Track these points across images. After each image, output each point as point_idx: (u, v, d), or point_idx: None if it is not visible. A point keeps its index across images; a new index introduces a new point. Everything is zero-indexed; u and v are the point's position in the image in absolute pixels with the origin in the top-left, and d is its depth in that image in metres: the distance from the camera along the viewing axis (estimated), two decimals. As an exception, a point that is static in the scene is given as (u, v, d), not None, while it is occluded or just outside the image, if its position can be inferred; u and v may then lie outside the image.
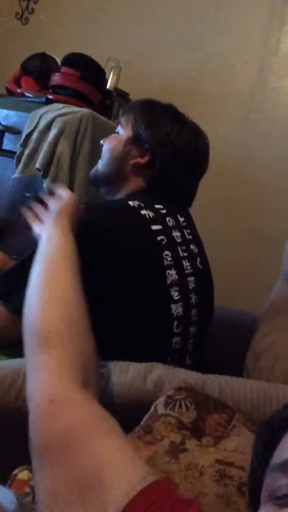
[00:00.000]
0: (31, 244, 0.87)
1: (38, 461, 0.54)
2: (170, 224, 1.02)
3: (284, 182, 2.10)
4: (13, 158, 1.83)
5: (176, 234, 1.03)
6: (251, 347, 1.20)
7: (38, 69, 2.14)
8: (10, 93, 2.16)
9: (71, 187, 1.72)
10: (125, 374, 0.82)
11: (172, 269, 0.98)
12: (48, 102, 1.89)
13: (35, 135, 1.77)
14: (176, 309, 0.97)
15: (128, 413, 0.72)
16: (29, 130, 1.79)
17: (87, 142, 1.73)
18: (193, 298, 1.01)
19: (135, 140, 1.09)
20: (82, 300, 0.72)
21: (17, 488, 0.66)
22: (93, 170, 1.18)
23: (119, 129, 1.15)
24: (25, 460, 0.57)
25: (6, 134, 1.95)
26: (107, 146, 1.14)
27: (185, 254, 1.02)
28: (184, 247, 1.03)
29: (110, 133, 1.18)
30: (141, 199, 1.01)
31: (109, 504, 0.46)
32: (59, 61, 2.06)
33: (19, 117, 1.92)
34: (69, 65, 1.93)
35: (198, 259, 1.07)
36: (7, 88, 2.18)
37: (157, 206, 1.02)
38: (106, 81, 2.09)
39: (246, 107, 2.20)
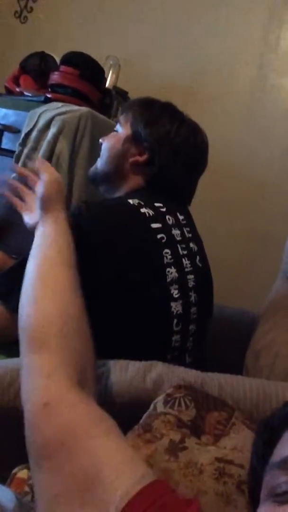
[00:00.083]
0: (31, 244, 0.87)
1: (36, 462, 0.54)
2: (170, 222, 1.02)
3: (284, 180, 2.10)
4: (12, 157, 1.83)
5: (175, 232, 1.03)
6: (251, 345, 1.20)
7: (37, 68, 2.13)
8: (9, 92, 2.15)
9: (70, 186, 1.72)
10: (125, 372, 0.82)
11: (172, 267, 0.98)
12: (47, 101, 1.89)
13: (34, 134, 1.76)
14: (176, 307, 0.97)
15: (127, 412, 0.72)
16: (28, 129, 1.79)
17: (86, 141, 1.73)
18: (193, 296, 1.01)
19: (134, 138, 1.09)
20: (79, 296, 0.70)
21: (17, 487, 0.66)
22: (92, 168, 1.18)
23: (118, 127, 1.14)
24: (24, 459, 0.57)
25: (5, 133, 1.95)
26: (106, 144, 1.14)
27: (185, 252, 1.02)
28: (183, 245, 1.03)
29: (109, 131, 1.18)
30: (141, 197, 1.01)
31: (109, 504, 0.46)
32: (58, 60, 2.06)
33: (18, 116, 1.92)
34: (68, 64, 1.93)
35: (198, 257, 1.07)
36: (6, 87, 2.18)
37: (156, 204, 1.02)
38: (105, 79, 2.09)
39: (246, 105, 2.20)
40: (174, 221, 1.04)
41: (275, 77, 2.17)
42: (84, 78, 1.92)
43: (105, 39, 2.42)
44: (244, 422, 0.71)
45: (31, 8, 2.68)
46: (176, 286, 0.97)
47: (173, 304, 0.96)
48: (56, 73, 1.94)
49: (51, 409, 0.55)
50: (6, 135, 1.95)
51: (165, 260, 0.97)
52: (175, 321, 0.96)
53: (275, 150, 2.13)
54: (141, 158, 1.07)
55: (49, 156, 1.69)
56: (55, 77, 1.93)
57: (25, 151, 1.77)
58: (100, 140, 1.17)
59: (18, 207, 0.93)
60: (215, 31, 2.25)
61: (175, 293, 0.97)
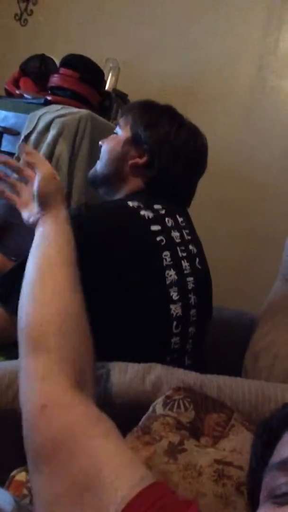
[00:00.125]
0: (30, 245, 0.87)
1: (34, 464, 0.53)
2: (169, 224, 1.03)
3: (284, 181, 2.10)
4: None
5: (175, 234, 1.03)
6: (250, 347, 1.20)
7: (37, 70, 2.14)
8: (9, 94, 2.16)
9: (70, 188, 1.72)
10: (124, 374, 0.82)
11: (171, 269, 0.98)
12: (47, 103, 1.89)
13: (33, 137, 1.77)
14: (175, 309, 0.97)
15: (126, 414, 0.72)
16: (28, 131, 1.80)
17: (86, 143, 1.73)
18: (192, 298, 1.01)
19: (133, 141, 1.09)
20: (79, 295, 0.69)
21: (15, 489, 0.66)
22: (92, 171, 1.18)
23: (117, 130, 1.15)
24: (23, 461, 0.57)
25: (5, 135, 1.95)
26: (106, 147, 1.14)
27: (184, 255, 1.02)
28: (183, 248, 1.03)
29: (109, 134, 1.18)
30: (140, 200, 1.01)
31: (109, 505, 0.45)
32: (58, 62, 2.06)
33: (17, 119, 1.92)
34: (68, 67, 1.94)
35: (197, 259, 1.07)
36: (6, 89, 2.18)
37: (156, 206, 1.02)
38: (105, 82, 2.09)
39: (246, 106, 2.20)
40: (173, 223, 1.04)
41: (274, 79, 2.17)
42: (84, 81, 1.92)
43: (104, 41, 2.42)
44: (243, 424, 0.71)
45: (31, 11, 2.68)
46: (176, 288, 0.97)
47: (172, 306, 0.96)
48: (56, 75, 1.95)
49: (48, 411, 0.55)
50: (6, 137, 1.95)
51: (165, 262, 0.97)
52: (174, 323, 0.97)
53: (274, 151, 2.14)
54: (140, 161, 1.08)
55: (49, 158, 1.69)
56: (55, 80, 1.94)
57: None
58: (100, 143, 1.17)
59: (15, 203, 0.91)
60: (215, 31, 2.26)
61: (174, 295, 0.97)
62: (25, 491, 0.65)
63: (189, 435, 0.68)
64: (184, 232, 1.06)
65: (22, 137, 1.80)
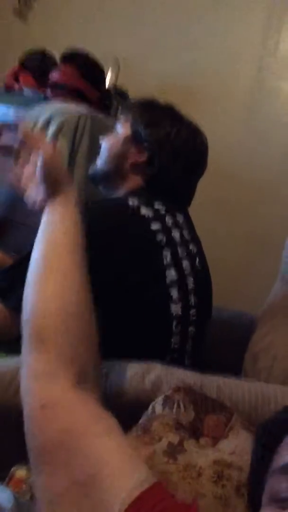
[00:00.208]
0: (30, 241, 0.86)
1: (36, 463, 0.53)
2: (169, 223, 1.02)
3: (283, 182, 2.10)
4: (11, 156, 1.82)
5: (175, 233, 1.03)
6: (249, 347, 1.20)
7: (37, 66, 2.12)
8: (9, 89, 2.14)
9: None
10: (124, 373, 0.81)
11: (172, 269, 0.98)
12: (47, 99, 1.88)
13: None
14: (175, 309, 0.97)
15: (126, 413, 0.71)
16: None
17: (86, 140, 1.72)
18: (192, 298, 1.01)
19: (134, 139, 1.09)
20: (86, 286, 0.66)
21: (15, 486, 0.66)
22: (92, 167, 1.18)
23: (118, 127, 1.14)
24: (23, 458, 0.57)
25: (4, 130, 1.93)
26: (106, 144, 1.14)
27: (184, 254, 1.02)
28: (183, 247, 1.03)
29: (109, 131, 1.18)
30: (140, 198, 1.01)
31: (111, 504, 0.45)
32: (58, 58, 2.05)
33: (17, 114, 1.91)
34: (68, 63, 1.92)
35: (197, 259, 1.07)
36: (5, 84, 2.17)
37: (156, 205, 1.02)
38: (105, 79, 2.08)
39: (246, 106, 2.20)
40: (173, 223, 1.03)
41: (274, 80, 2.17)
42: (84, 77, 1.91)
43: (104, 38, 2.41)
44: (242, 425, 0.71)
45: (31, 6, 2.67)
46: (176, 288, 0.97)
47: (172, 305, 0.96)
48: (56, 71, 1.93)
49: (48, 411, 0.54)
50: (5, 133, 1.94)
51: (165, 262, 0.97)
52: (174, 322, 0.96)
53: (274, 152, 2.14)
54: (140, 159, 1.07)
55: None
56: (54, 76, 1.92)
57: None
58: (100, 140, 1.17)
59: (20, 186, 0.83)
60: (215, 31, 2.26)
61: (174, 294, 0.97)
62: (25, 488, 0.65)
63: (188, 436, 0.68)
64: (184, 231, 1.06)
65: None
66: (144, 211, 0.98)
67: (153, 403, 0.74)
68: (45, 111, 1.78)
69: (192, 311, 1.01)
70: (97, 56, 1.98)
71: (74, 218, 0.71)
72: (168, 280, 0.96)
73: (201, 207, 1.27)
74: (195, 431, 0.70)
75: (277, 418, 0.57)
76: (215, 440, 0.69)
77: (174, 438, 0.67)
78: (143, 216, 0.98)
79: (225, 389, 0.80)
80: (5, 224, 1.71)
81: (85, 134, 1.73)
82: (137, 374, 0.81)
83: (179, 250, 1.01)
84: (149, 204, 1.01)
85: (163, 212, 1.03)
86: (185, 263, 1.01)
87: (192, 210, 1.16)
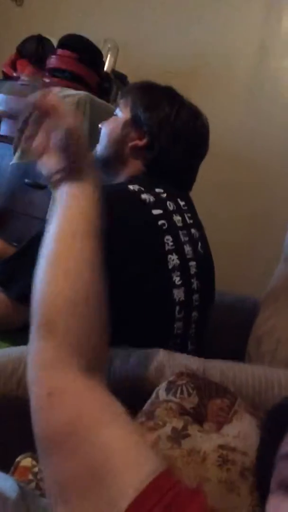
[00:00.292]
0: (31, 231, 0.86)
1: (43, 452, 0.53)
2: (171, 208, 1.01)
3: (286, 163, 2.08)
4: (11, 143, 1.80)
5: (177, 218, 1.02)
6: (253, 331, 1.20)
7: (34, 52, 2.10)
8: (7, 77, 2.12)
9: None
10: (127, 359, 0.81)
11: (174, 254, 0.97)
12: (45, 85, 1.86)
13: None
14: (178, 294, 0.96)
15: (130, 399, 0.71)
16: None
17: (85, 126, 1.71)
18: (195, 283, 1.00)
19: (133, 123, 1.07)
20: (99, 272, 0.61)
21: (20, 475, 0.66)
22: (92, 153, 1.17)
23: (117, 111, 1.13)
24: (28, 447, 0.57)
25: (3, 119, 1.92)
26: (106, 129, 1.13)
27: (186, 239, 1.01)
28: (185, 232, 1.02)
29: (108, 116, 1.16)
30: (141, 183, 1.00)
31: (116, 498, 0.45)
32: (55, 43, 2.02)
33: (16, 102, 1.89)
34: (66, 47, 1.90)
35: (199, 244, 1.06)
36: (3, 72, 2.14)
37: (157, 190, 1.01)
38: (104, 63, 2.05)
39: (247, 88, 2.17)
40: (175, 207, 1.02)
41: (276, 60, 2.14)
42: (82, 62, 1.89)
43: (102, 21, 2.37)
44: (246, 409, 0.71)
45: (27, -9, 2.62)
46: (178, 273, 0.96)
47: (175, 291, 0.96)
48: (53, 57, 1.91)
49: (55, 399, 0.54)
50: (4, 121, 1.93)
51: (167, 247, 0.96)
52: (177, 308, 0.96)
53: (276, 133, 2.11)
54: (140, 142, 1.06)
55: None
56: (52, 61, 1.90)
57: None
58: (100, 125, 1.16)
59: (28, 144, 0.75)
60: (216, 12, 2.21)
61: (177, 280, 0.96)
62: (30, 477, 0.66)
63: (192, 421, 0.68)
64: (186, 216, 1.05)
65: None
66: (145, 196, 0.97)
67: (156, 389, 0.74)
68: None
69: (195, 296, 1.00)
70: (95, 39, 1.96)
71: (91, 198, 0.65)
72: (170, 266, 0.96)
73: (203, 190, 1.26)
74: (199, 416, 0.70)
75: (284, 404, 0.56)
76: (219, 425, 0.69)
77: (178, 423, 0.67)
78: (144, 201, 0.97)
79: (229, 374, 0.80)
80: (5, 214, 1.70)
81: (84, 119, 1.71)
82: (140, 359, 0.81)
83: (181, 234, 1.01)
84: (150, 189, 1.00)
85: (164, 196, 1.01)
86: (187, 248, 1.01)
87: (194, 193, 1.15)
